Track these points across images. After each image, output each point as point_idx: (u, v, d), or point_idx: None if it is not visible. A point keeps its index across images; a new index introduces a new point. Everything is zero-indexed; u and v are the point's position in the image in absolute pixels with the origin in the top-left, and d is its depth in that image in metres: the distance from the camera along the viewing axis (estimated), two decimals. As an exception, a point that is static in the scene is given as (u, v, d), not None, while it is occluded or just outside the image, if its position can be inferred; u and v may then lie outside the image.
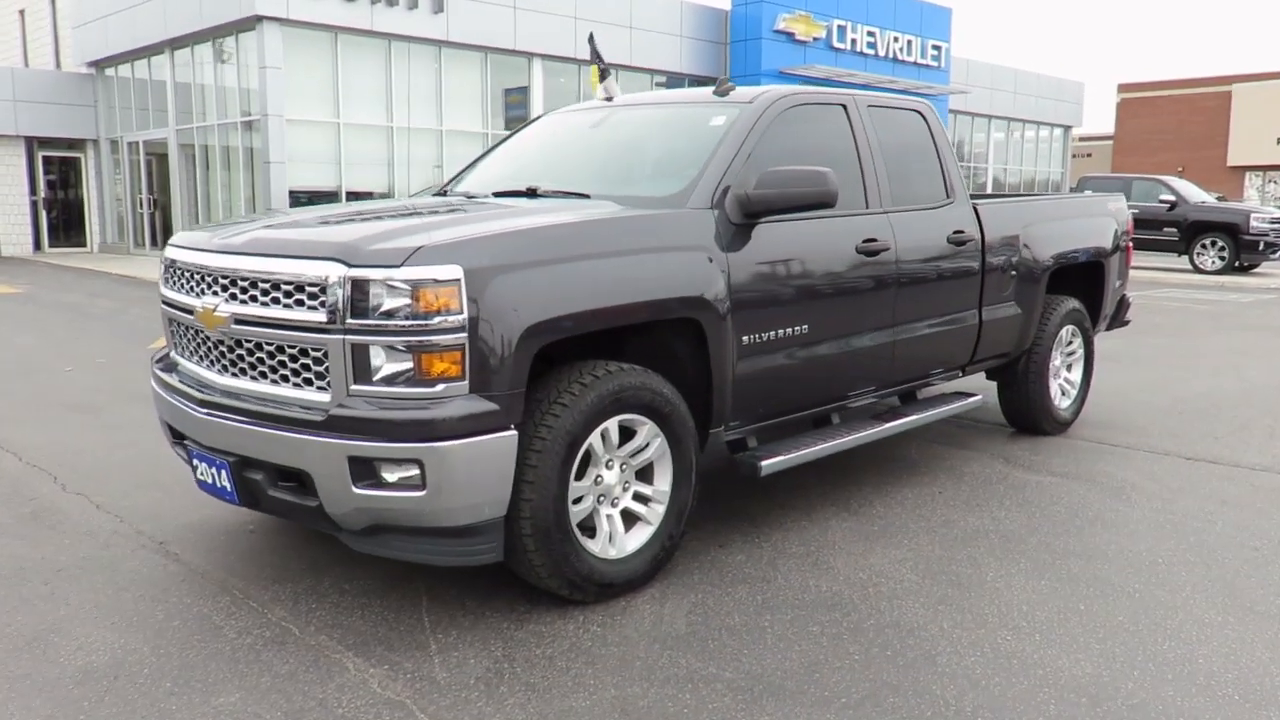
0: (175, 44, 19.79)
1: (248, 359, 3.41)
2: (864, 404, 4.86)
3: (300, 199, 17.90)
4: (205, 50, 19.26)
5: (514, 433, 3.19)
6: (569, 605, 3.49)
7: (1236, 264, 18.73)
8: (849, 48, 25.70)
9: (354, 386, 3.13)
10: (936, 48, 28.22)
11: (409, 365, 3.08)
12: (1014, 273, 5.48)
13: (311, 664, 3.08)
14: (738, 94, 4.51)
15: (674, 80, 23.74)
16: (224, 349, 3.49)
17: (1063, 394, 6.14)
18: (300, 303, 3.21)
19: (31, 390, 7.23)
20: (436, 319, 3.05)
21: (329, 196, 18.31)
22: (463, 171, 5.12)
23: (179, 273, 3.76)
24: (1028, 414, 5.93)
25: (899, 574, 3.83)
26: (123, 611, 3.45)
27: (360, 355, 3.11)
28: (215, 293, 3.48)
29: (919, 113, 5.17)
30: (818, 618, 3.43)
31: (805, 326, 4.19)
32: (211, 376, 3.57)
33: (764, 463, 4.07)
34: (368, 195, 18.73)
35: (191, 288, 3.64)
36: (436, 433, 3.06)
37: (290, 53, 17.53)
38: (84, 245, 23.74)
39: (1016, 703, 2.86)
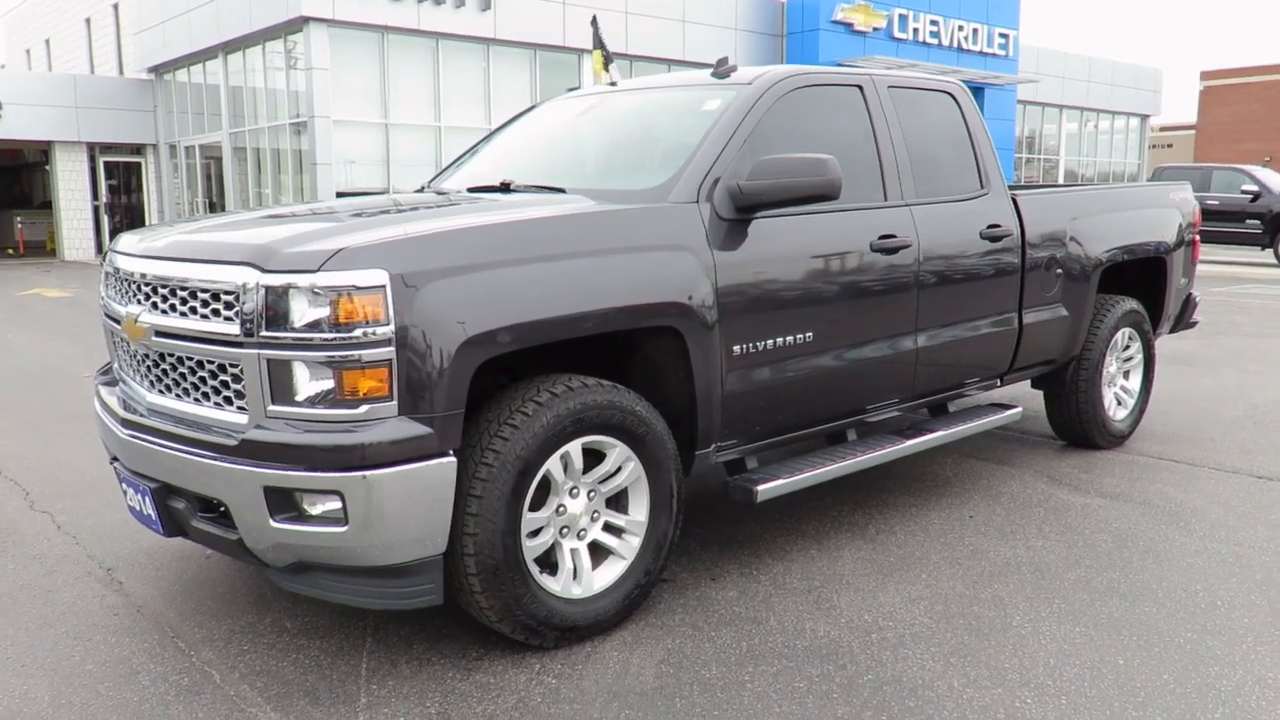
0: (228, 48, 19.90)
1: (170, 375, 3.08)
2: (886, 418, 4.38)
3: (350, 200, 17.84)
4: (256, 54, 19.33)
5: (452, 459, 2.80)
6: (525, 651, 3.10)
7: (1326, 257, 17.62)
8: (910, 37, 24.89)
9: (271, 407, 2.77)
10: (1004, 36, 27.21)
11: (330, 384, 2.71)
12: (1060, 271, 4.93)
13: (225, 713, 2.73)
14: (739, 75, 4.06)
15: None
16: (150, 363, 3.16)
17: (1118, 404, 5.57)
18: (216, 313, 2.86)
19: (41, 399, 7.08)
20: (359, 330, 2.68)
21: (377, 197, 18.23)
22: (449, 166, 4.76)
23: (115, 278, 3.45)
24: (1078, 426, 5.37)
25: (910, 616, 3.36)
26: (39, 652, 3.14)
27: (278, 371, 2.75)
28: (138, 301, 3.16)
29: (950, 94, 4.67)
30: (807, 670, 2.98)
31: (809, 334, 3.73)
32: (142, 393, 3.25)
33: (760, 488, 3.61)
34: (379, 194, 18.59)
35: (121, 295, 3.32)
36: (359, 460, 2.68)
37: (337, 53, 17.46)
38: (145, 248, 24.04)
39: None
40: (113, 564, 3.87)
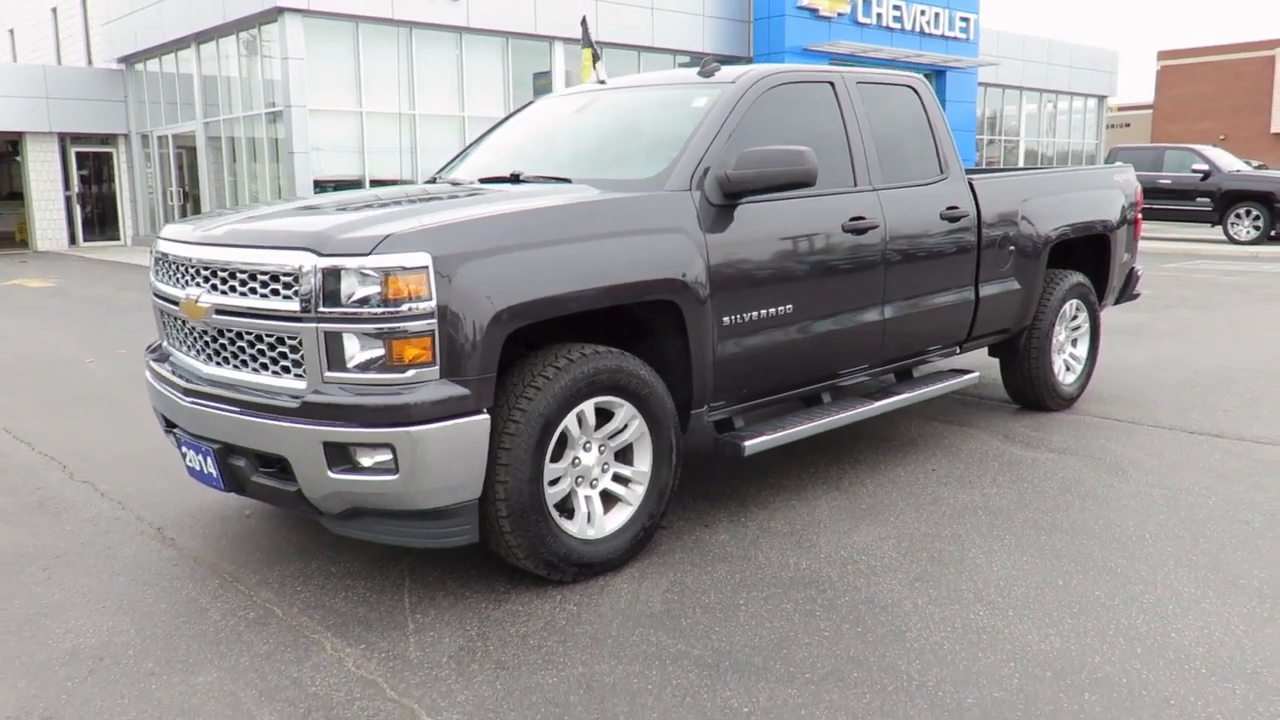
0: (201, 38, 20.01)
1: (229, 348, 3.49)
2: (856, 382, 4.86)
3: (325, 189, 18.07)
4: (230, 43, 19.46)
5: (486, 416, 3.24)
6: (547, 585, 3.54)
7: (1272, 233, 18.35)
8: (874, 22, 25.40)
9: (328, 373, 3.19)
10: (965, 19, 27.80)
11: (381, 352, 3.14)
12: (1013, 248, 5.43)
13: (290, 644, 3.16)
14: (722, 74, 4.51)
15: (697, 60, 23.63)
16: (207, 339, 3.57)
17: (1067, 369, 6.09)
18: (275, 292, 3.27)
19: (52, 383, 7.40)
20: (406, 305, 3.10)
21: (353, 185, 18.46)
22: (456, 158, 5.16)
23: (166, 264, 3.84)
24: (1030, 390, 5.89)
25: (881, 551, 3.84)
26: (114, 596, 3.55)
27: (333, 343, 3.17)
28: (198, 284, 3.56)
29: (912, 88, 5.14)
30: (793, 595, 3.46)
31: (790, 306, 4.19)
32: (198, 366, 3.65)
33: (747, 443, 4.08)
34: (391, 183, 18.85)
35: (177, 279, 3.72)
36: (408, 417, 3.11)
37: (312, 43, 17.66)
38: (118, 239, 24.14)
39: (980, 676, 2.88)
40: (161, 524, 4.27)
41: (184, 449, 3.69)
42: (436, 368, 3.16)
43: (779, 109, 4.40)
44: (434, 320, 3.13)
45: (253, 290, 3.34)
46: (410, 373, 3.14)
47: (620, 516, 3.71)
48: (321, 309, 3.15)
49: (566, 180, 4.12)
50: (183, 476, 4.83)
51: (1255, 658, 2.96)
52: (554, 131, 4.90)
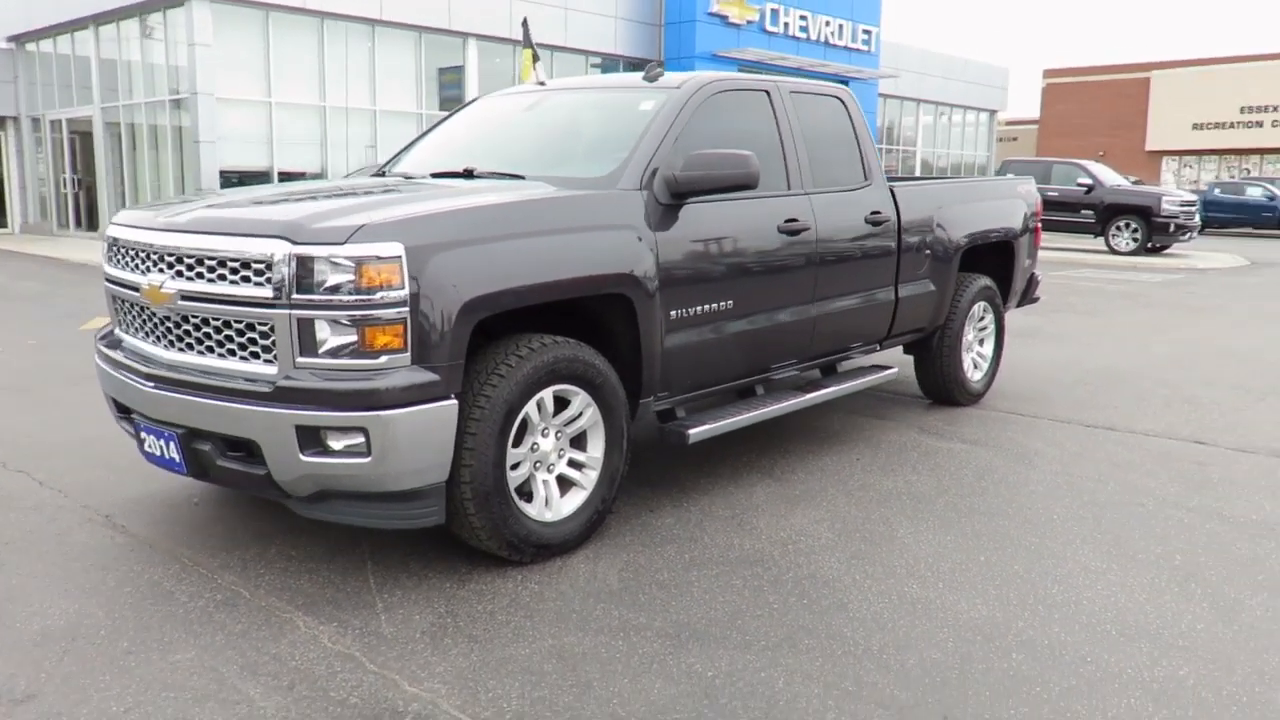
0: (100, 19, 19.35)
1: (194, 334, 3.54)
2: (787, 376, 5.13)
3: (231, 179, 17.69)
4: (132, 26, 18.87)
5: (454, 402, 3.38)
6: (508, 565, 3.70)
7: (1149, 245, 19.48)
8: (782, 31, 26.01)
9: (300, 359, 3.29)
10: (867, 32, 28.68)
11: (353, 338, 3.25)
12: (929, 252, 5.78)
13: (263, 623, 3.25)
14: (666, 79, 4.72)
15: (609, 62, 23.84)
16: (169, 324, 3.61)
17: (975, 367, 6.49)
18: (246, 279, 3.35)
19: (-38, 371, 7.19)
20: (379, 294, 3.22)
21: (260, 177, 18.12)
22: (400, 153, 5.25)
23: (123, 251, 3.86)
24: (942, 386, 6.26)
25: (817, 532, 4.10)
26: (74, 580, 3.57)
27: (305, 329, 3.26)
28: (161, 270, 3.60)
29: (839, 99, 5.43)
30: (741, 572, 3.69)
31: (730, 302, 4.43)
32: (157, 351, 3.69)
33: (691, 431, 4.30)
34: (300, 176, 18.56)
35: (136, 265, 3.75)
36: (381, 402, 3.23)
37: (220, 29, 17.27)
38: (4, 226, 23.11)
39: (919, 641, 3.15)
40: (109, 511, 4.27)
41: (143, 434, 3.72)
42: (408, 354, 3.28)
43: (720, 114, 4.64)
44: (406, 308, 3.25)
45: (221, 277, 3.41)
46: (383, 359, 3.26)
47: (575, 500, 3.88)
48: (295, 296, 3.25)
49: (520, 177, 4.27)
50: (120, 464, 4.84)
51: (1155, 620, 3.31)
52: (502, 129, 5.04)
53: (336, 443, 3.29)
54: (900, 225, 5.52)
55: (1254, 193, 29.87)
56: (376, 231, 3.26)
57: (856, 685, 2.88)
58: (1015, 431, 5.78)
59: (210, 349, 3.52)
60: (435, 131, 5.34)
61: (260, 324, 3.35)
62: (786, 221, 4.71)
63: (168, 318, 3.61)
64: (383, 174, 4.96)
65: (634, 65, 25.16)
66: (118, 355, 3.88)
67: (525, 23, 5.53)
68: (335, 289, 3.22)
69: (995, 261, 6.62)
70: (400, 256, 3.24)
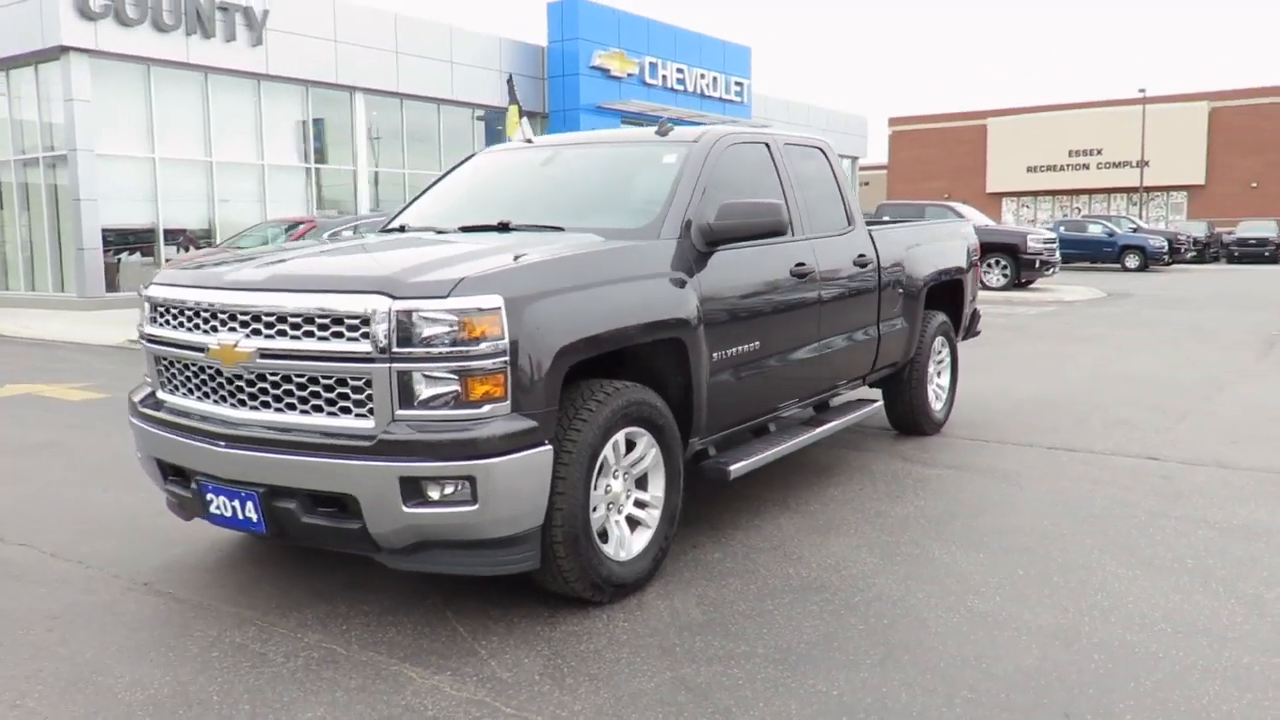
0: (-41, 74, 18.37)
1: (272, 392, 3.52)
2: (791, 414, 5.36)
3: (109, 238, 16.99)
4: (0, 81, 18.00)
5: (549, 447, 3.46)
6: (586, 607, 3.76)
7: (1018, 281, 20.80)
8: (660, 83, 26.82)
9: (399, 411, 3.32)
10: (739, 84, 29.83)
11: (455, 389, 3.30)
12: (901, 290, 6.15)
13: (374, 677, 3.23)
14: (678, 133, 4.94)
15: (494, 114, 24.01)
16: (242, 383, 3.57)
17: (936, 398, 6.89)
18: (339, 335, 3.36)
19: (-109, 447, 6.72)
20: (482, 345, 3.30)
21: (144, 235, 17.45)
22: (404, 209, 5.29)
23: (176, 311, 3.80)
24: (911, 417, 6.62)
25: (859, 558, 4.32)
26: (153, 649, 3.46)
27: (405, 382, 3.30)
28: (233, 329, 3.57)
29: (821, 149, 5.77)
30: (811, 599, 3.86)
31: (757, 343, 4.64)
32: (225, 411, 3.64)
33: (732, 467, 4.48)
34: (181, 233, 17.96)
35: (198, 325, 3.69)
36: (486, 450, 3.29)
37: (99, 85, 16.67)
38: None
39: (1006, 650, 3.38)
40: (145, 579, 4.13)
41: (209, 495, 3.65)
42: (508, 403, 3.36)
43: (732, 166, 4.88)
44: (506, 358, 3.33)
45: (309, 334, 3.41)
46: (486, 408, 3.33)
47: (642, 539, 3.99)
48: (396, 350, 3.29)
49: (559, 229, 4.40)
50: (120, 529, 4.72)
51: (1199, 617, 3.65)
52: (522, 183, 5.14)
53: (441, 492, 3.32)
54: (880, 267, 5.87)
55: (1095, 230, 32.22)
56: (476, 284, 3.34)
57: (974, 693, 3.09)
58: (988, 456, 6.17)
59: (291, 406, 3.50)
60: (440, 187, 5.40)
61: (354, 378, 3.36)
62: (796, 265, 4.97)
63: (239, 376, 3.58)
64: (402, 229, 4.98)
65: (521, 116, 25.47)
66: (172, 417, 3.80)
67: (510, 79, 5.64)
68: (437, 342, 3.28)
69: (946, 299, 7.06)
70: (500, 308, 3.33)
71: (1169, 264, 32.11)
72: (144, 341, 4.02)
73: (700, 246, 4.35)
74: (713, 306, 4.32)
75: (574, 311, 3.58)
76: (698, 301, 4.21)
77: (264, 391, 3.54)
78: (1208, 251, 38.29)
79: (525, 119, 5.67)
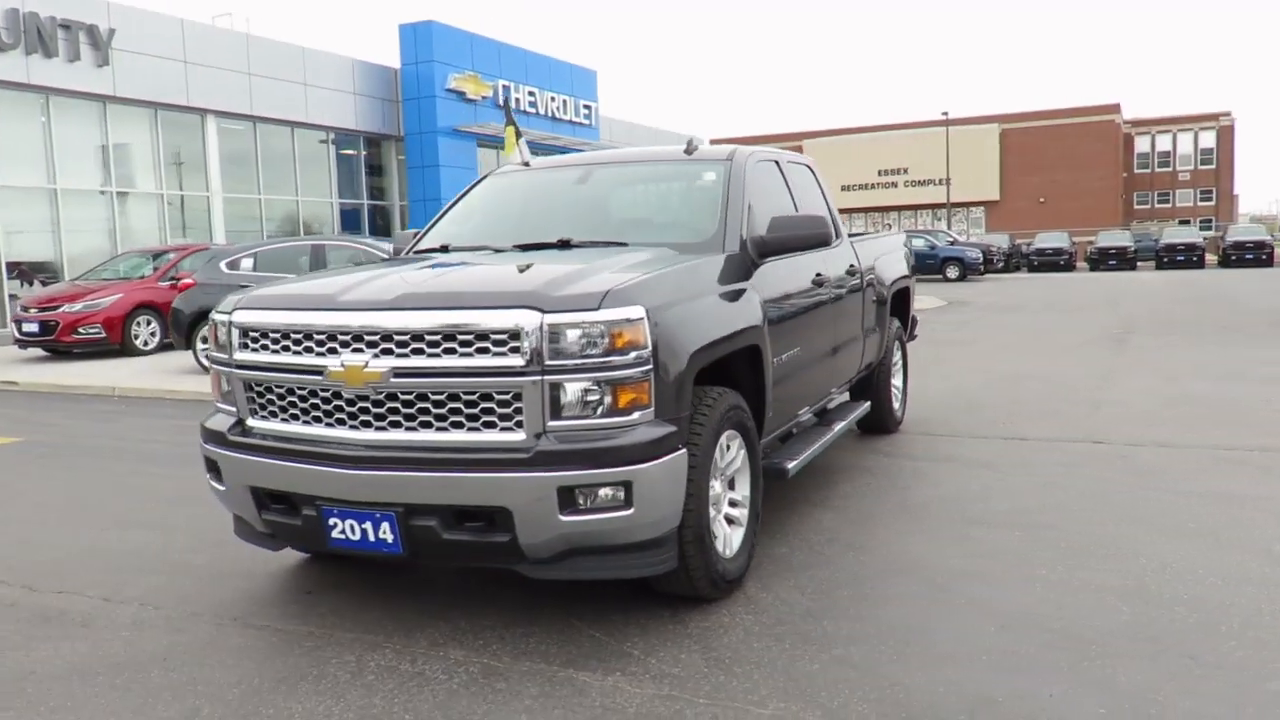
0: None
1: (404, 410, 3.52)
2: (805, 418, 5.67)
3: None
4: None
5: (684, 451, 3.62)
6: (701, 605, 3.92)
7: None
8: (514, 107, 26.87)
9: (551, 423, 3.40)
10: (587, 107, 30.27)
11: (604, 398, 3.41)
12: (874, 298, 6.58)
13: (549, 684, 3.29)
14: (705, 151, 5.17)
15: (347, 136, 23.51)
16: (368, 404, 3.56)
17: (895, 398, 7.37)
18: (484, 350, 3.41)
19: None
20: (630, 354, 3.42)
21: (-17, 268, 16.16)
22: (427, 230, 5.29)
23: (276, 335, 3.74)
24: (878, 417, 7.05)
25: (913, 544, 4.64)
26: (300, 679, 3.38)
27: (557, 393, 3.39)
28: (358, 350, 3.55)
29: (809, 167, 6.13)
30: (895, 580, 4.15)
31: (798, 348, 4.92)
32: (344, 434, 3.61)
33: (789, 465, 4.73)
34: (17, 266, 16.73)
35: (310, 348, 3.65)
36: (640, 456, 3.42)
37: (-72, 107, 15.37)
38: None
39: (1099, 610, 3.76)
40: (233, 614, 4.01)
41: (333, 520, 3.60)
42: (652, 409, 3.50)
43: (757, 181, 5.15)
44: (650, 366, 3.48)
45: (450, 351, 3.45)
46: (634, 415, 3.45)
47: (737, 536, 4.18)
48: (548, 363, 3.37)
49: (623, 244, 4.54)
50: (159, 566, 4.56)
51: (1236, 569, 4.14)
52: (560, 202, 5.21)
53: (596, 499, 3.42)
54: (863, 275, 6.27)
55: (918, 244, 34.38)
56: (621, 296, 3.47)
57: (1100, 648, 3.43)
58: (956, 449, 6.66)
59: (426, 424, 3.51)
60: (463, 210, 5.41)
61: (501, 392, 3.42)
62: (816, 275, 5.29)
63: (364, 397, 3.56)
64: (444, 248, 4.96)
65: (373, 140, 24.96)
66: (281, 443, 3.72)
67: (506, 101, 5.71)
68: (588, 353, 3.39)
69: (899, 305, 7.56)
70: (644, 318, 3.47)
71: (983, 274, 34.58)
72: (231, 369, 3.91)
73: (755, 258, 4.59)
74: (772, 314, 4.56)
75: (696, 320, 3.75)
76: (763, 309, 4.45)
77: (394, 411, 3.54)
78: (1010, 261, 41.44)
79: (523, 141, 5.75)
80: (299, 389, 3.72)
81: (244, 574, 4.47)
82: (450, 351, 3.45)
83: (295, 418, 3.76)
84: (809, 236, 4.65)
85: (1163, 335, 13.83)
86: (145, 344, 14.18)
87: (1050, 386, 9.28)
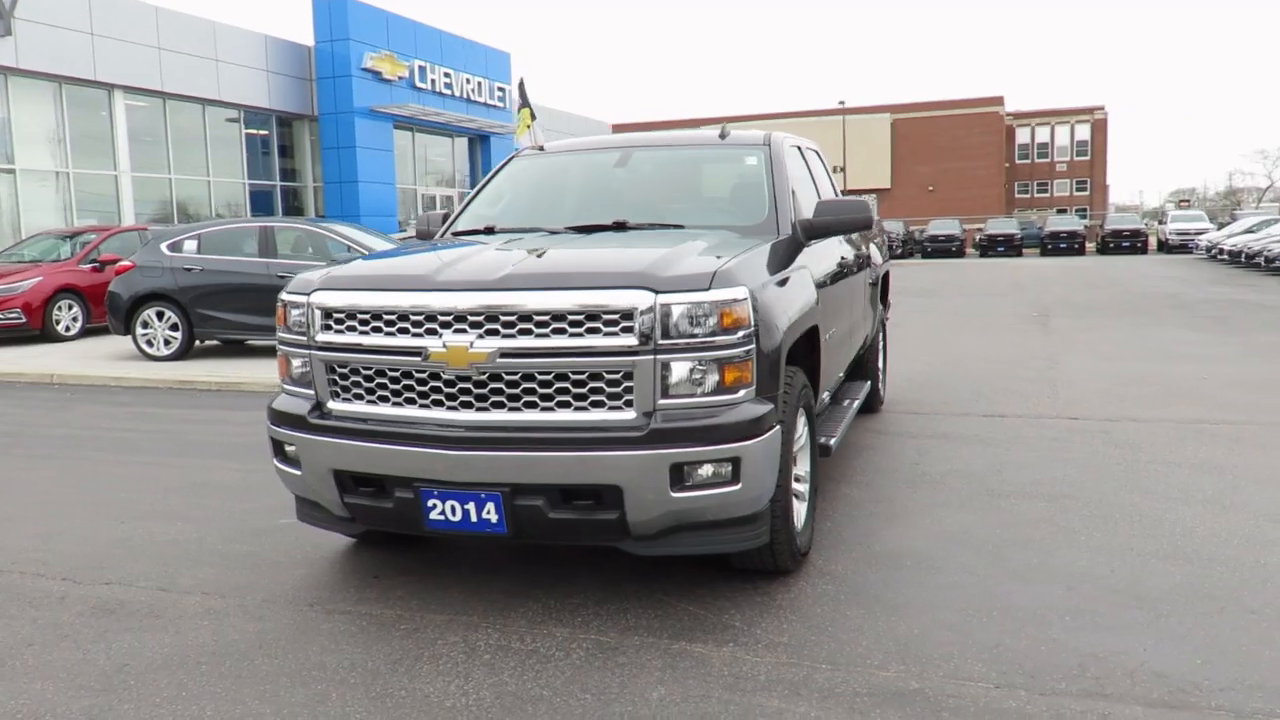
0: None
1: (508, 391, 3.53)
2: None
3: None
4: None
5: (780, 428, 3.72)
6: (775, 578, 4.04)
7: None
8: (430, 87, 26.46)
9: (661, 401, 3.46)
10: (501, 89, 29.95)
11: (712, 376, 3.49)
12: (871, 281, 6.80)
13: (668, 656, 3.36)
14: (739, 136, 5.27)
15: (258, 115, 22.75)
16: (470, 384, 3.55)
17: (879, 377, 7.62)
18: (594, 330, 3.45)
19: None
20: (737, 333, 3.51)
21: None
22: (459, 213, 5.24)
23: (364, 316, 3.69)
24: (870, 395, 7.29)
25: (952, 516, 4.85)
26: (415, 659, 3.38)
27: (667, 372, 3.46)
28: (461, 330, 3.53)
29: (815, 151, 6.29)
30: (955, 550, 4.35)
31: (835, 328, 5.08)
32: (442, 415, 3.59)
33: (831, 441, 4.87)
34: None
35: (405, 329, 3.62)
36: (746, 433, 3.50)
37: None
38: None
39: (1150, 572, 4.02)
40: (308, 599, 3.94)
41: (439, 501, 3.58)
42: (754, 387, 3.59)
43: (789, 166, 5.28)
44: (753, 345, 3.57)
45: (559, 330, 3.47)
46: (740, 393, 3.54)
47: (802, 511, 4.31)
48: (660, 342, 3.43)
49: (680, 227, 4.60)
50: (196, 555, 4.45)
51: (1252, 532, 4.47)
52: (606, 185, 5.21)
53: (701, 475, 3.50)
54: (864, 257, 6.47)
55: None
56: (727, 276, 3.55)
57: (1169, 606, 3.68)
58: (947, 426, 6.94)
59: (531, 404, 3.53)
60: (493, 191, 5.37)
61: (611, 371, 3.46)
62: (841, 257, 5.45)
63: (465, 378, 3.55)
64: (490, 230, 4.92)
65: (286, 120, 24.23)
66: (372, 426, 3.67)
67: (521, 83, 5.67)
68: (697, 332, 3.46)
69: (882, 287, 7.81)
70: (748, 299, 3.55)
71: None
72: (312, 350, 3.84)
73: (802, 240, 4.72)
74: (821, 293, 4.69)
75: (784, 300, 3.86)
76: (815, 290, 4.58)
77: (497, 391, 3.54)
78: (906, 248, 42.76)
79: (537, 123, 5.73)
80: (390, 370, 3.69)
81: (301, 562, 4.40)
82: (560, 332, 3.47)
83: (384, 399, 3.72)
84: (854, 220, 4.80)
85: (1079, 318, 14.53)
86: (67, 329, 13.52)
87: (1000, 366, 9.70)
